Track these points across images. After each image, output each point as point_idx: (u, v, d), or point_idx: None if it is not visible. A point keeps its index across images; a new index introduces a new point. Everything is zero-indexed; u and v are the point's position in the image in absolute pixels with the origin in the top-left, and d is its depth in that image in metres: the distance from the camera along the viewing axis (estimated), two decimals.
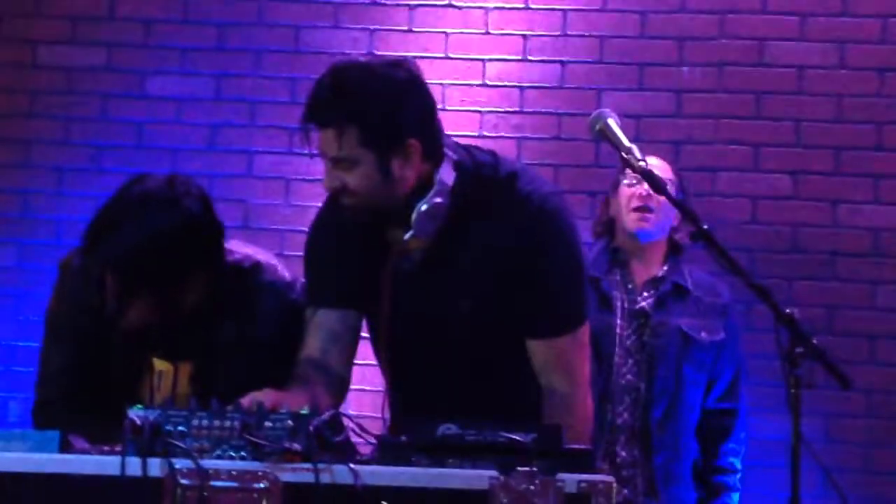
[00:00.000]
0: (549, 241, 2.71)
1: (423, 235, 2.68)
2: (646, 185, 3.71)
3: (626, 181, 3.82)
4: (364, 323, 2.86)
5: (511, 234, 2.69)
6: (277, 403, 2.30)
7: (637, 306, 3.77)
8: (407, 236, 2.67)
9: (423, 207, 2.66)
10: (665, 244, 3.84)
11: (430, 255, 2.71)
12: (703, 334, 3.77)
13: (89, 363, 2.87)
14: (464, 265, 2.71)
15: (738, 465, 3.86)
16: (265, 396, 2.37)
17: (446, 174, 2.68)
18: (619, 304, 3.76)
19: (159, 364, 2.88)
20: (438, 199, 2.67)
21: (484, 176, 2.72)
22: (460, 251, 2.70)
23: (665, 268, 3.81)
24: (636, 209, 3.79)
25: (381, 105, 2.61)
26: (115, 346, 2.85)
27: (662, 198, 3.73)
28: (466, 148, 2.77)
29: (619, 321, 3.75)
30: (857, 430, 4.55)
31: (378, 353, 2.88)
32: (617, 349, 3.71)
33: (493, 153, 2.80)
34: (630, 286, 3.80)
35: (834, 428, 4.51)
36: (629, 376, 3.73)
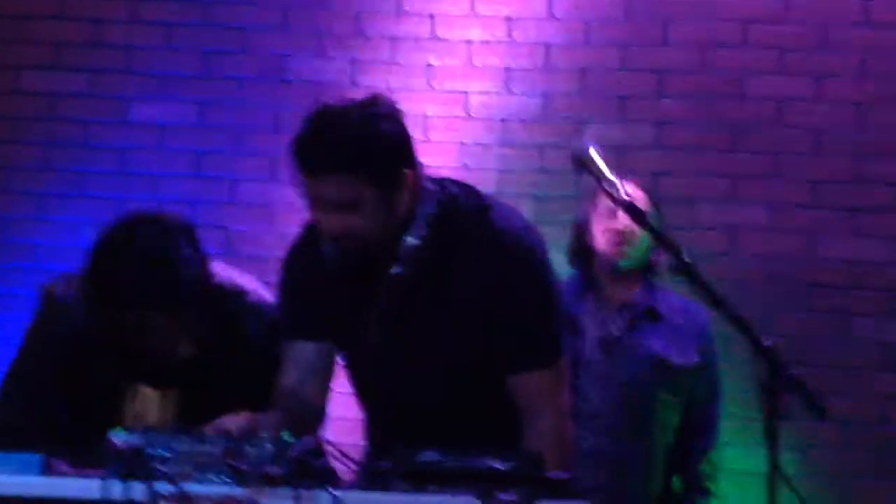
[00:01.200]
0: (524, 276, 2.72)
1: (409, 270, 2.69)
2: (620, 218, 3.74)
3: (599, 213, 3.82)
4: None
5: (486, 269, 2.70)
6: (252, 426, 2.32)
7: (608, 332, 3.77)
8: (394, 271, 2.68)
9: (411, 241, 2.68)
10: (635, 269, 3.84)
11: (411, 289, 2.72)
12: (676, 357, 3.77)
13: (66, 389, 2.87)
14: (444, 300, 2.71)
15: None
16: (240, 419, 2.38)
17: (428, 206, 2.70)
18: (588, 330, 3.76)
19: (145, 390, 2.88)
20: (423, 232, 2.68)
21: (459, 209, 2.74)
22: (440, 285, 2.71)
23: (638, 291, 3.82)
24: (615, 243, 3.79)
25: (377, 144, 2.62)
26: (99, 373, 2.85)
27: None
28: (440, 181, 2.78)
29: (587, 347, 3.75)
30: (833, 461, 4.57)
31: (356, 385, 2.88)
32: (583, 375, 3.70)
33: (465, 185, 2.81)
34: (603, 312, 3.80)
35: (809, 460, 4.52)
36: (596, 401, 3.73)
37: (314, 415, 2.76)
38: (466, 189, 2.80)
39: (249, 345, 2.85)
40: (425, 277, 2.70)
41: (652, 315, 3.80)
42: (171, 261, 2.71)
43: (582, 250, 3.87)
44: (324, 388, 2.79)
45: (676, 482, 3.83)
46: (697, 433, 3.82)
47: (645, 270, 3.84)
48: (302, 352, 2.77)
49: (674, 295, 3.83)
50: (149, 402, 2.87)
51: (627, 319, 3.78)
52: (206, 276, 2.81)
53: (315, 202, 2.64)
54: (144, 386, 2.87)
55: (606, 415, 3.73)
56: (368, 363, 2.80)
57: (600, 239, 3.81)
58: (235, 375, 2.82)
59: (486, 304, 2.70)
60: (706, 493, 3.84)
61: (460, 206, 2.74)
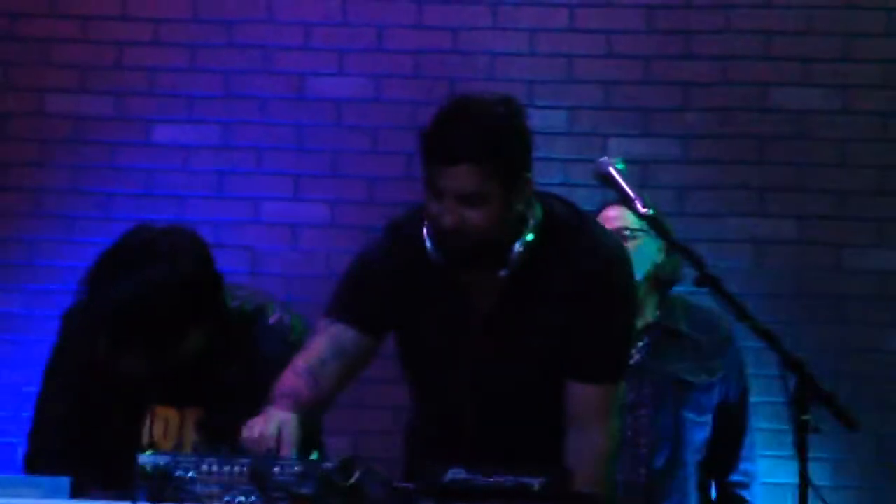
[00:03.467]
0: (615, 288, 2.74)
1: (513, 274, 2.67)
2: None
3: None
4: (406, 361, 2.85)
5: (578, 279, 2.71)
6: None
7: (631, 360, 3.71)
8: (502, 274, 2.67)
9: (518, 247, 2.67)
10: (651, 287, 3.75)
11: (511, 293, 2.71)
12: (699, 376, 3.71)
13: (89, 414, 2.88)
14: (537, 305, 2.71)
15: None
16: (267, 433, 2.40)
17: (535, 215, 2.71)
18: None
19: (164, 411, 2.88)
20: (529, 240, 2.68)
21: (560, 221, 2.75)
22: (535, 291, 2.71)
23: (657, 313, 3.76)
24: None
25: (514, 142, 2.64)
26: (115, 396, 2.86)
27: (635, 240, 3.70)
28: (541, 192, 2.79)
29: None
30: (865, 474, 4.53)
31: (424, 382, 2.85)
32: None
33: (564, 199, 2.82)
34: None
35: (841, 473, 4.49)
36: (628, 433, 3.68)
37: (320, 400, 2.71)
38: (565, 202, 2.82)
39: (268, 365, 2.84)
40: (523, 282, 2.70)
41: (673, 335, 3.75)
42: (155, 303, 2.70)
43: None
44: (342, 377, 2.75)
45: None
46: (728, 443, 3.77)
47: (656, 288, 3.79)
48: (340, 334, 2.74)
49: (695, 308, 3.79)
50: (169, 422, 2.87)
51: (649, 343, 3.74)
52: (210, 303, 2.80)
53: (439, 192, 2.61)
54: (164, 407, 2.87)
55: (635, 443, 3.69)
56: (449, 361, 2.77)
57: None
58: (254, 395, 2.81)
59: (572, 313, 2.71)
60: (740, 501, 3.79)
61: (561, 217, 2.75)
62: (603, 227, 2.91)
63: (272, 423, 2.46)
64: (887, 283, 4.65)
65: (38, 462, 2.89)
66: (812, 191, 4.71)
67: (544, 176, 4.75)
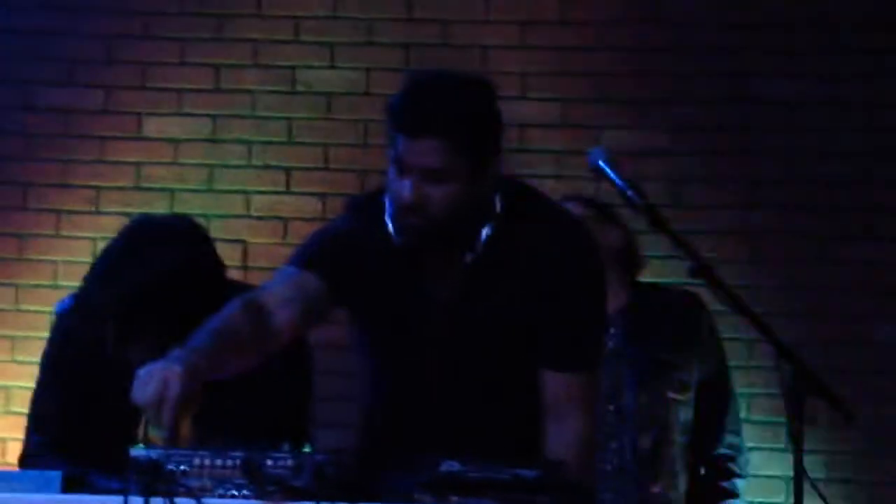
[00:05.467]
0: (582, 280, 2.71)
1: (479, 259, 2.65)
2: None
3: None
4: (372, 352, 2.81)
5: (549, 262, 2.67)
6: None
7: (608, 348, 3.60)
8: (468, 259, 2.64)
9: (488, 232, 2.64)
10: (619, 271, 3.71)
11: (478, 278, 2.68)
12: (677, 355, 3.69)
13: (85, 407, 2.87)
14: (505, 292, 2.68)
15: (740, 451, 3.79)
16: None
17: (501, 201, 2.68)
18: None
19: None
20: (495, 224, 2.65)
21: (528, 207, 2.72)
22: (499, 278, 2.68)
23: (628, 297, 3.73)
24: None
25: (486, 121, 2.60)
26: (114, 388, 2.85)
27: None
28: (507, 179, 2.75)
29: None
30: (857, 467, 4.54)
31: (382, 366, 2.80)
32: None
33: (531, 186, 2.80)
34: None
35: (834, 465, 4.49)
36: (612, 420, 3.66)
37: (264, 338, 2.61)
38: (532, 189, 2.79)
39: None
40: (488, 269, 2.67)
41: (646, 317, 3.73)
42: (166, 292, 2.70)
43: None
44: (300, 321, 2.66)
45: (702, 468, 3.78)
46: (712, 417, 3.73)
47: (624, 272, 3.77)
48: (303, 280, 2.66)
49: (665, 289, 3.78)
50: None
51: (622, 328, 3.72)
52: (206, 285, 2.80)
53: (403, 166, 2.57)
54: None
55: (621, 430, 3.67)
56: (412, 349, 2.73)
57: None
58: (254, 385, 2.79)
59: (543, 301, 2.67)
60: (728, 474, 3.77)
61: (527, 204, 2.72)
62: (570, 213, 2.87)
63: (154, 385, 2.36)
64: (874, 274, 4.64)
65: (36, 457, 2.88)
66: (800, 181, 4.71)
67: (538, 168, 4.78)
